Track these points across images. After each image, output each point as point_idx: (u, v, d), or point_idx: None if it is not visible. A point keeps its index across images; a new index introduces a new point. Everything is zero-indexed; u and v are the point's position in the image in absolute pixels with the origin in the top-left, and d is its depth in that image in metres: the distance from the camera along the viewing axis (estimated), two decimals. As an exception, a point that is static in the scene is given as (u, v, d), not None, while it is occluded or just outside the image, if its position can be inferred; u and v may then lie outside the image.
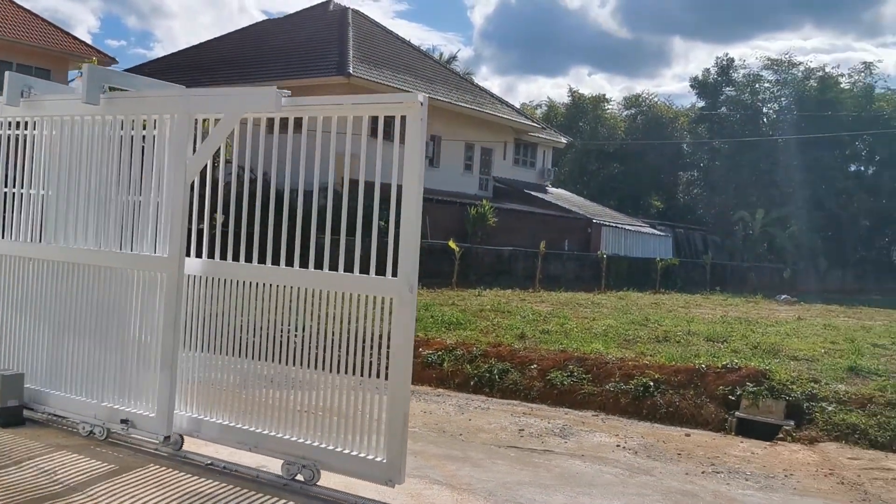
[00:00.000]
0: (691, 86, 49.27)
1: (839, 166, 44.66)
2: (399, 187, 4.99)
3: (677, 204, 49.65)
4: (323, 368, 5.11)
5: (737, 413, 8.65)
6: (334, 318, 5.09)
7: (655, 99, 52.33)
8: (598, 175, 48.93)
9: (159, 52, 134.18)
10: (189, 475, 5.20)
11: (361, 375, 4.97)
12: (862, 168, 46.53)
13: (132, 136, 5.93)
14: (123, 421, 5.62)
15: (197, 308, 5.62)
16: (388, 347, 4.86)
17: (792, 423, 8.38)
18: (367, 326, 4.94)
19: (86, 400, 5.90)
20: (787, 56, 47.30)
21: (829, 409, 8.44)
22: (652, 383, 9.20)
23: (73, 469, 5.22)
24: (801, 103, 44.62)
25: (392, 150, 5.02)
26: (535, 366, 9.88)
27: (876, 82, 46.08)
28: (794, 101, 45.53)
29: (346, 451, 4.95)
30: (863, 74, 45.85)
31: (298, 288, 5.25)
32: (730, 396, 8.86)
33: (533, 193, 34.20)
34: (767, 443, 7.91)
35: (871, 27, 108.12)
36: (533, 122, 37.19)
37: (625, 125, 50.20)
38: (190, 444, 5.60)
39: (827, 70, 46.00)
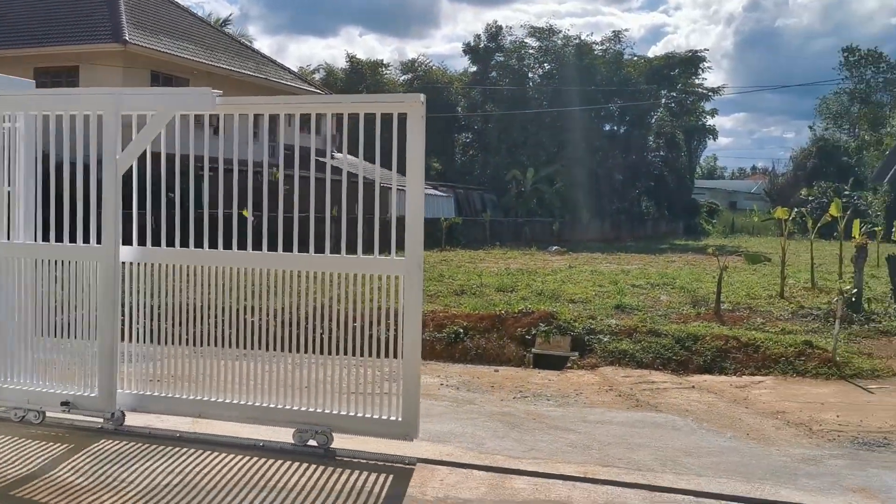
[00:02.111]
0: (464, 51, 51.87)
1: (596, 127, 49.17)
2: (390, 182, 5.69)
3: (455, 165, 52.19)
4: (338, 348, 5.60)
5: (533, 350, 10.21)
6: (353, 296, 5.56)
7: (431, 64, 54.44)
8: (380, 139, 50.14)
9: None
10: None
11: (376, 350, 5.50)
12: (615, 128, 51.46)
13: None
14: (64, 403, 5.89)
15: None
16: (396, 318, 5.44)
17: (577, 353, 10.06)
18: (379, 301, 5.50)
19: (14, 387, 6.09)
20: (548, 24, 50.97)
21: (605, 339, 10.20)
22: (462, 330, 10.54)
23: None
24: (561, 69, 48.48)
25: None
26: (356, 323, 10.85)
27: (624, 49, 51.09)
28: (555, 66, 49.33)
29: (362, 415, 5.47)
30: (613, 42, 50.60)
31: (316, 273, 5.75)
32: (526, 336, 10.41)
33: (321, 160, 34.66)
34: (559, 371, 9.50)
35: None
36: (315, 88, 37.56)
37: (403, 90, 51.71)
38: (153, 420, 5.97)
39: (583, 38, 50.23)
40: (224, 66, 29.05)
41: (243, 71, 30.18)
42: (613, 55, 49.61)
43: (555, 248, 29.31)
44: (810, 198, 47.11)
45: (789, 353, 9.57)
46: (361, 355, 5.59)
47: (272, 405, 5.71)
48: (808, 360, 9.41)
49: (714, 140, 74.16)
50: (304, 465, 5.26)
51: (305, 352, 5.69)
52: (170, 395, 5.93)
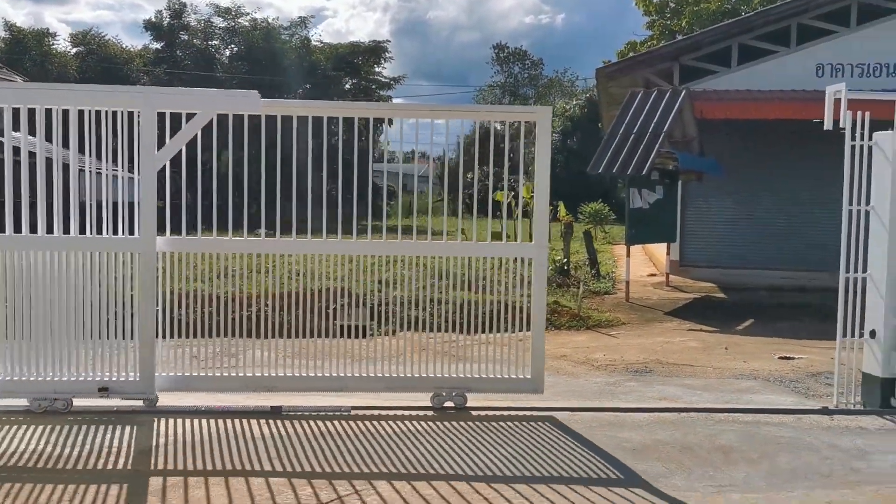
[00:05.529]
0: (146, 27, 49.18)
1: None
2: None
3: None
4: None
5: (338, 321, 11.26)
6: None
7: (107, 38, 50.85)
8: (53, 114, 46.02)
9: None
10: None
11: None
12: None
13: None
14: (102, 389, 5.98)
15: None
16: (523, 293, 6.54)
17: (374, 322, 11.32)
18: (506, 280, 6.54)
19: (39, 379, 5.99)
20: (235, 6, 50.43)
21: (397, 309, 11.58)
22: (265, 308, 11.22)
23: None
24: (250, 51, 48.42)
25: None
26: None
27: (312, 35, 52.38)
28: (244, 48, 49.09)
29: (496, 376, 6.47)
30: (299, 28, 51.64)
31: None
32: (327, 310, 11.40)
33: (-3, 138, 31.41)
34: (367, 339, 10.69)
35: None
36: (-16, 59, 33.71)
37: (76, 64, 47.83)
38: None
39: (270, 22, 50.54)
40: None
41: None
42: (301, 41, 50.69)
43: (260, 230, 29.76)
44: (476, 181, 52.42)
45: (546, 311, 11.74)
46: (498, 330, 6.81)
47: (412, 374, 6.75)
48: (560, 317, 11.68)
49: (391, 125, 78.72)
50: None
51: (453, 331, 7.03)
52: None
